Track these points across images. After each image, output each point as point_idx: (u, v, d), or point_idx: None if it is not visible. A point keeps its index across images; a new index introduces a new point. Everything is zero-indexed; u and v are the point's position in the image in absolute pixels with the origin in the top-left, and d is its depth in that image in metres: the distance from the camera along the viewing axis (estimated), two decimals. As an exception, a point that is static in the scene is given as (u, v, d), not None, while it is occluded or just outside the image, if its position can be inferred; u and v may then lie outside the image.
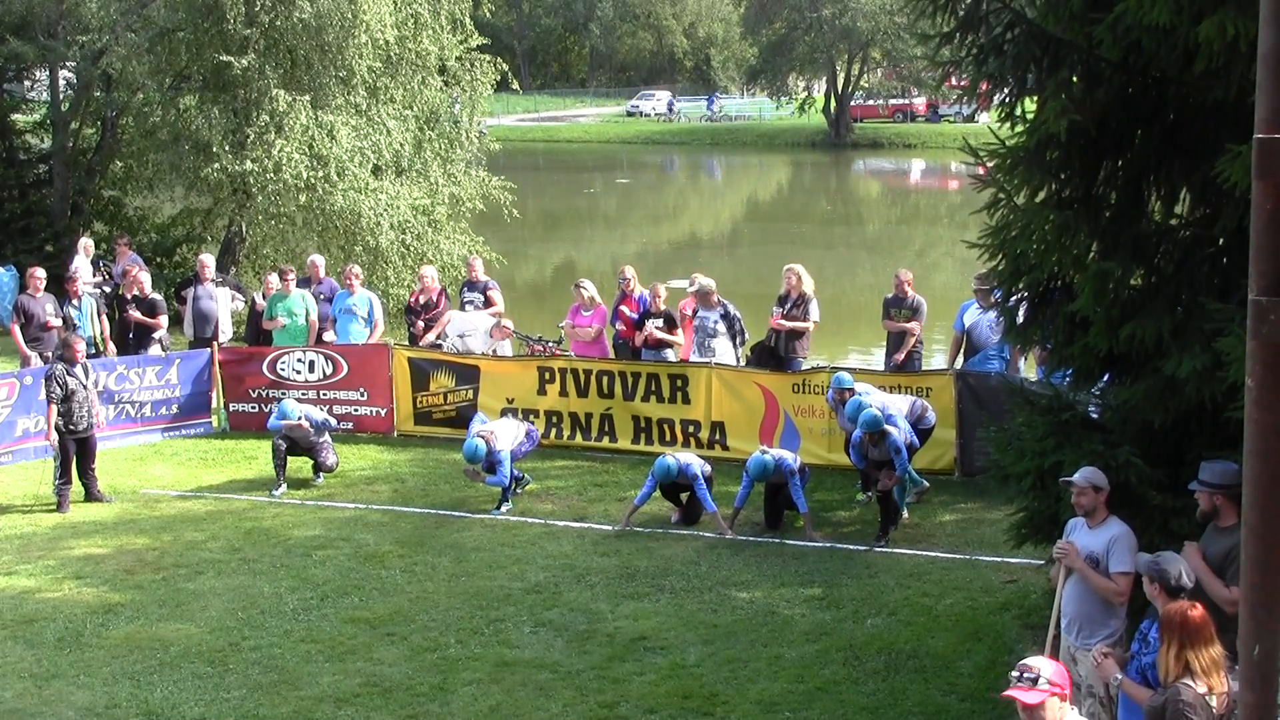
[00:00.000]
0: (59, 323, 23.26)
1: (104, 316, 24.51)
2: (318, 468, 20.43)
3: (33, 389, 20.82)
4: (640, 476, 17.92)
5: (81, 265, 27.57)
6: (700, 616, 14.92)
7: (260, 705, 13.05)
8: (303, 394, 22.56)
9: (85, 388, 19.50)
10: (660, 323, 21.76)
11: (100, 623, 15.35)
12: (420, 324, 23.70)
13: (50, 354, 21.40)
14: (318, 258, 26.02)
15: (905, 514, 17.74)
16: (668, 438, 20.48)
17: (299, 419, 19.88)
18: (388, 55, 32.07)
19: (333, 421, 20.92)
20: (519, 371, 22.01)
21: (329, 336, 23.67)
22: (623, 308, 22.55)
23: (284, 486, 19.87)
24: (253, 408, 23.05)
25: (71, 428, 19.43)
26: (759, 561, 16.46)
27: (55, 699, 13.68)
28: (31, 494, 20.01)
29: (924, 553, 16.72)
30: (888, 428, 16.83)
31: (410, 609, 15.49)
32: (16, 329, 23.40)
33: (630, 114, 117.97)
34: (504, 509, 18.58)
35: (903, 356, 21.35)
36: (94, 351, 23.67)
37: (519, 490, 19.12)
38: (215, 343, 23.74)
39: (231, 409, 23.31)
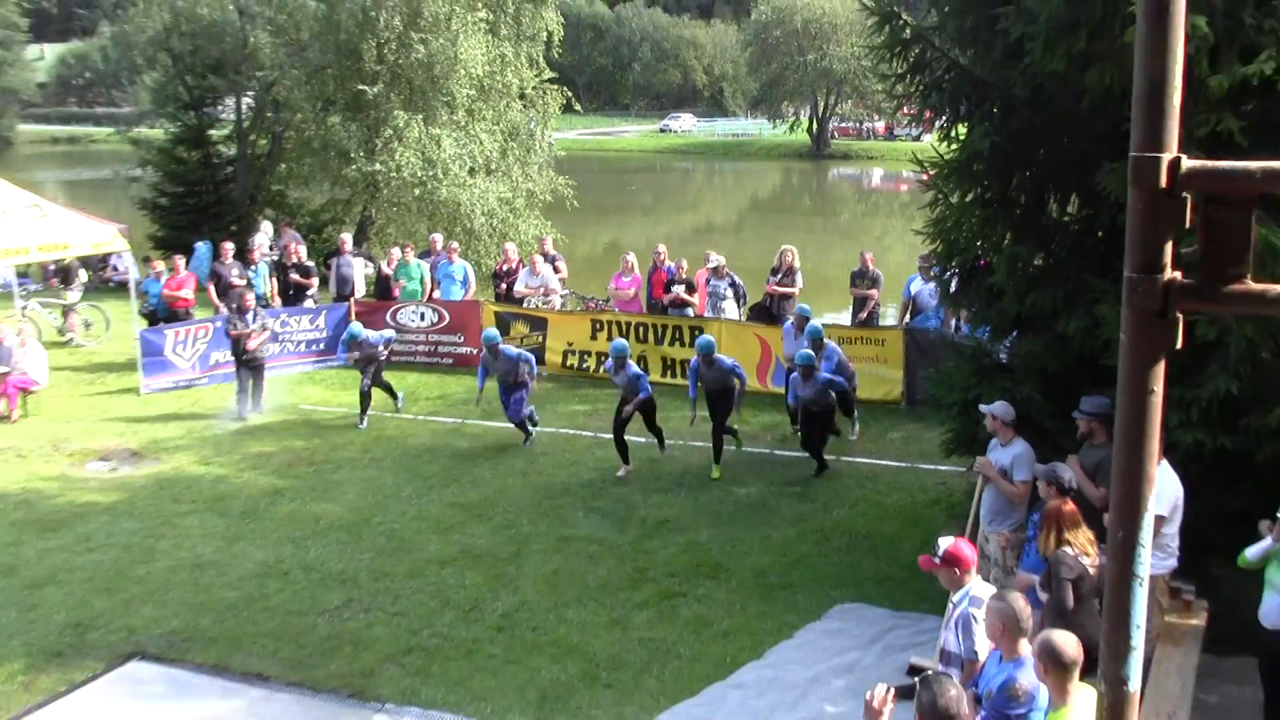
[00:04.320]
0: (242, 283, 23.36)
1: (273, 278, 24.64)
2: (393, 394, 19.90)
3: (221, 330, 21.01)
4: (665, 402, 17.90)
5: (265, 240, 27.77)
6: (710, 506, 15.03)
7: (385, 564, 13.18)
8: (414, 338, 22.73)
9: (254, 329, 19.74)
10: (682, 288, 21.94)
11: (270, 501, 15.52)
12: (504, 286, 23.79)
13: (234, 305, 21.49)
14: (437, 236, 26.22)
15: (856, 432, 17.76)
16: (686, 373, 20.47)
17: (362, 337, 19.29)
18: (480, 85, 32.43)
19: (391, 333, 20.43)
20: (576, 322, 22.05)
21: (435, 294, 23.76)
22: (655, 275, 22.75)
23: (365, 423, 19.18)
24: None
25: (246, 358, 19.67)
26: (753, 468, 16.52)
27: (240, 555, 13.89)
28: (221, 406, 20.19)
29: (877, 461, 16.79)
30: (817, 365, 16.15)
31: (494, 497, 15.60)
32: (212, 288, 23.57)
33: (662, 131, 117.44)
34: (530, 441, 17.95)
35: (864, 316, 21.52)
36: (265, 303, 23.81)
37: (534, 426, 18.23)
38: (352, 298, 23.88)
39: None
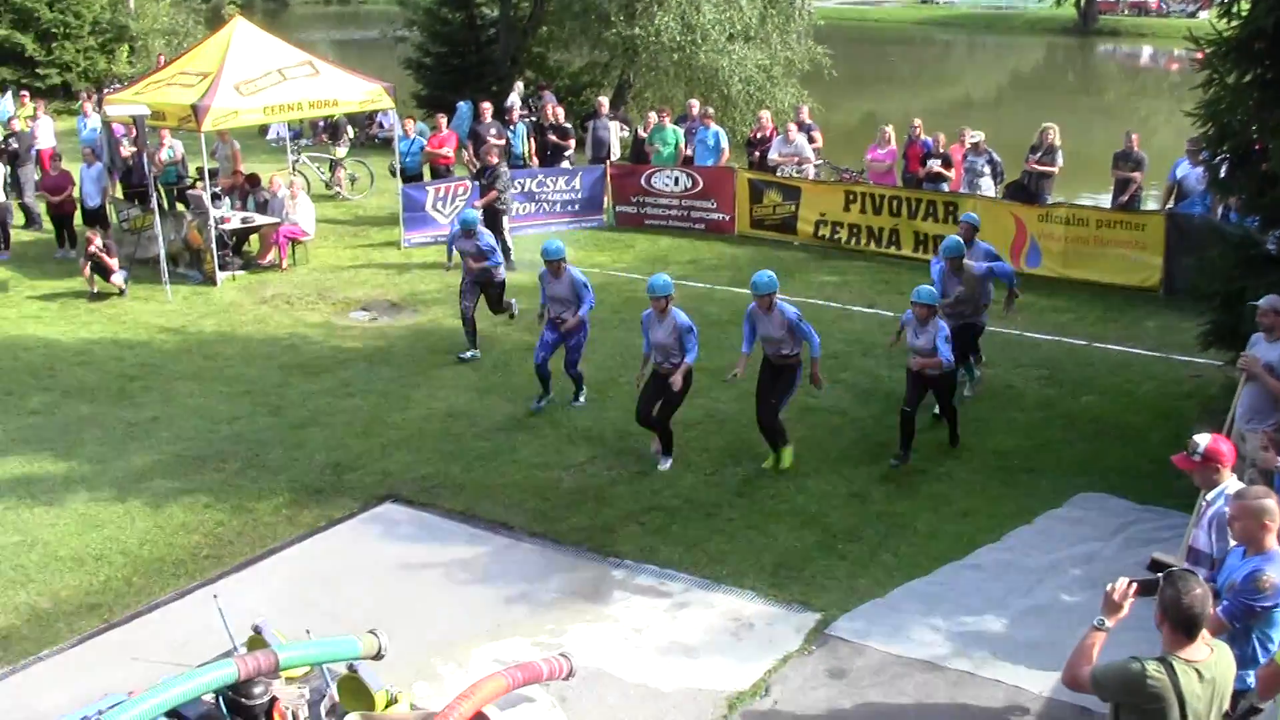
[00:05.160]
0: (500, 143, 23.65)
1: (531, 139, 24.89)
2: (499, 307, 16.59)
3: (476, 187, 21.34)
4: (916, 279, 17.49)
5: (516, 102, 28.07)
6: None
7: (630, 423, 13.23)
8: (668, 202, 22.68)
9: (496, 186, 20.33)
10: (939, 162, 21.33)
11: (521, 356, 15.79)
12: (757, 154, 23.54)
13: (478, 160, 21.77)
14: (694, 102, 26.02)
15: (973, 388, 14.66)
16: (938, 250, 19.96)
17: (479, 233, 16.00)
18: (743, -51, 31.81)
19: (496, 252, 16.21)
20: (829, 193, 21.66)
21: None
22: (911, 148, 22.26)
23: (476, 351, 16.20)
24: (633, 210, 23.23)
25: (497, 208, 20.33)
26: (1001, 348, 16.04)
27: (490, 408, 14.27)
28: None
29: (1130, 349, 16.12)
30: (968, 263, 13.91)
31: (741, 363, 15.56)
32: (471, 146, 23.93)
33: (924, 1, 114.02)
34: (581, 399, 14.55)
35: (1126, 199, 20.57)
36: (522, 164, 24.13)
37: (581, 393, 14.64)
38: (607, 161, 23.96)
39: (617, 210, 23.50)
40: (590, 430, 13.35)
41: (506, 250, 20.49)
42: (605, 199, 23.57)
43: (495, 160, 20.73)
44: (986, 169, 20.98)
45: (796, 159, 22.57)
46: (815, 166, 23.05)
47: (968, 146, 21.30)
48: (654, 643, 9.37)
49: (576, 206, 23.34)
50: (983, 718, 8.35)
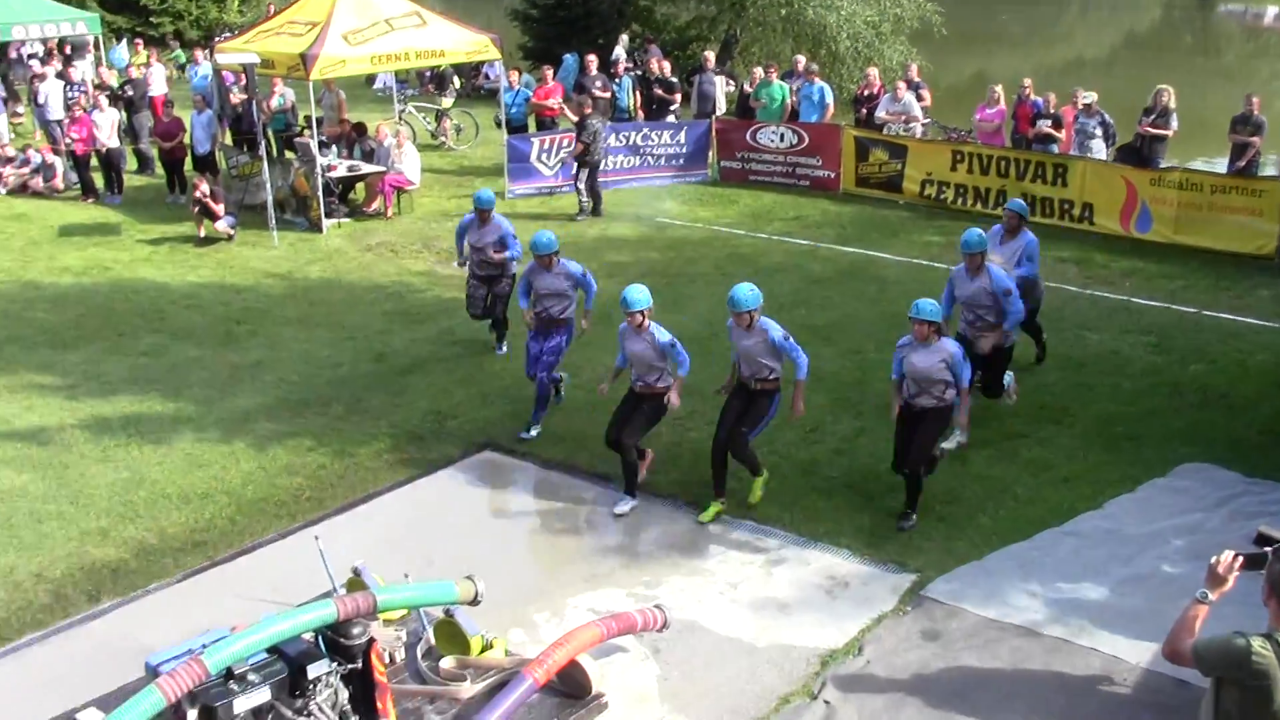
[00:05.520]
0: (606, 96, 23.64)
1: (636, 92, 24.82)
2: (496, 323, 14.71)
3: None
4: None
5: (622, 55, 27.98)
6: (1059, 350, 14.43)
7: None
8: (772, 158, 22.52)
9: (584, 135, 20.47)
10: (1049, 123, 20.97)
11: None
12: (864, 111, 23.29)
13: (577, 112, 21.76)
14: (800, 57, 25.75)
15: (1014, 391, 12.70)
16: (1047, 212, 19.62)
17: (492, 210, 14.15)
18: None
19: (517, 251, 14.29)
20: (937, 152, 21.37)
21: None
22: (1021, 108, 21.93)
23: (505, 348, 14.74)
24: (737, 165, 23.10)
25: (587, 160, 20.48)
26: (1107, 314, 15.77)
27: (590, 359, 14.38)
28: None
29: (1242, 318, 15.74)
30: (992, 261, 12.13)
31: (842, 322, 15.47)
32: (575, 98, 23.92)
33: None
34: (534, 431, 12.43)
35: (1243, 164, 20.02)
36: (627, 116, 24.09)
37: (560, 394, 13.35)
38: (713, 116, 23.85)
39: (722, 165, 23.37)
40: (690, 385, 13.29)
41: (597, 199, 20.61)
42: (710, 154, 23.47)
43: (588, 112, 20.77)
44: (1098, 131, 20.59)
45: (904, 117, 22.32)
46: (923, 125, 22.78)
47: (1079, 108, 20.90)
48: (748, 598, 9.37)
49: (681, 161, 23.26)
50: (1078, 686, 8.25)
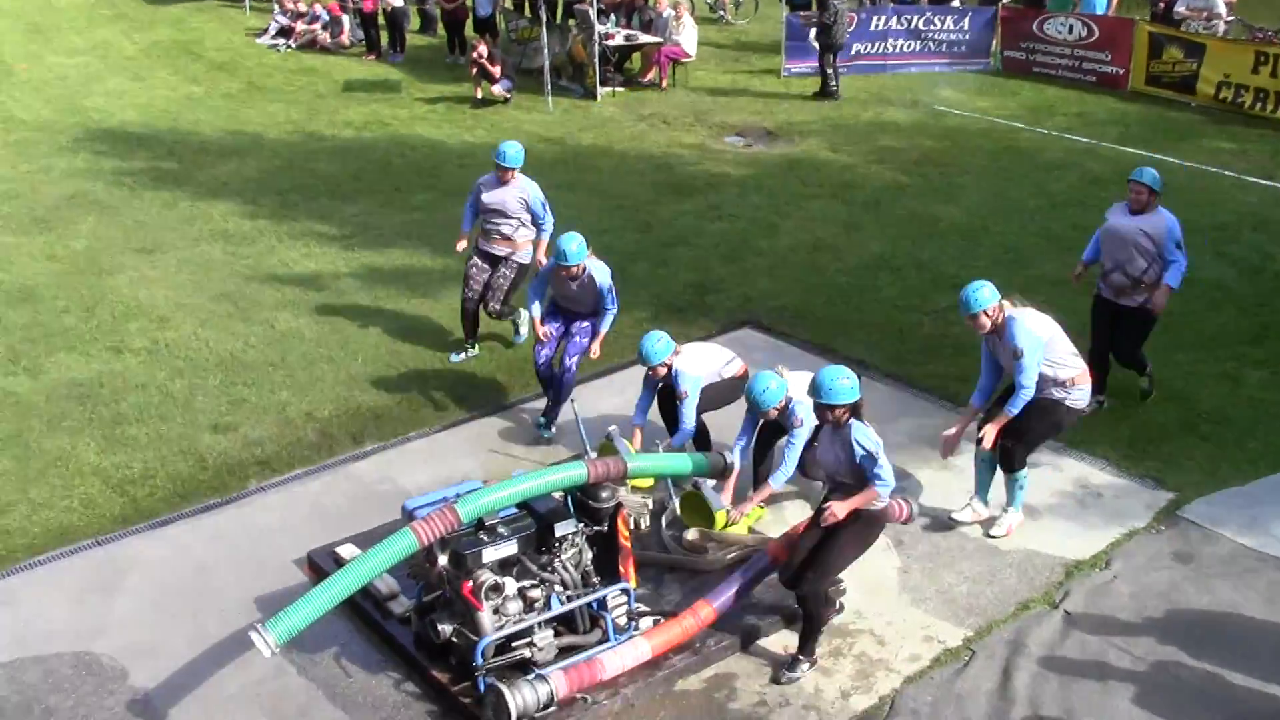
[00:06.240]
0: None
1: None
2: (502, 304, 11.43)
3: (865, 21, 20.94)
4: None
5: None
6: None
7: (998, 274, 12.86)
8: (1059, 51, 21.70)
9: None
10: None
11: (892, 196, 15.68)
12: (1161, 5, 22.19)
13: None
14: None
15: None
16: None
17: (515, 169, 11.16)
18: None
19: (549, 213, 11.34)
20: (1238, 52, 20.17)
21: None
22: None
23: (471, 351, 11.57)
24: (1020, 55, 22.35)
25: (828, 41, 20.18)
26: None
27: (857, 244, 14.27)
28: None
29: None
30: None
31: (1119, 225, 14.93)
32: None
33: None
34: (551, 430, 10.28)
35: None
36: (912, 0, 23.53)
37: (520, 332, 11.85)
38: (999, 2, 23.03)
39: (1004, 54, 22.63)
40: (956, 277, 13.06)
41: (827, 81, 20.23)
42: (993, 42, 22.74)
43: None
44: None
45: (1205, 14, 21.19)
46: (1226, 23, 21.54)
47: None
48: (996, 499, 9.25)
49: (962, 48, 22.62)
50: (1340, 627, 7.92)
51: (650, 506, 8.55)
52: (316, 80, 22.01)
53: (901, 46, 22.12)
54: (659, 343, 9.11)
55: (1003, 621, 7.86)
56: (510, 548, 7.02)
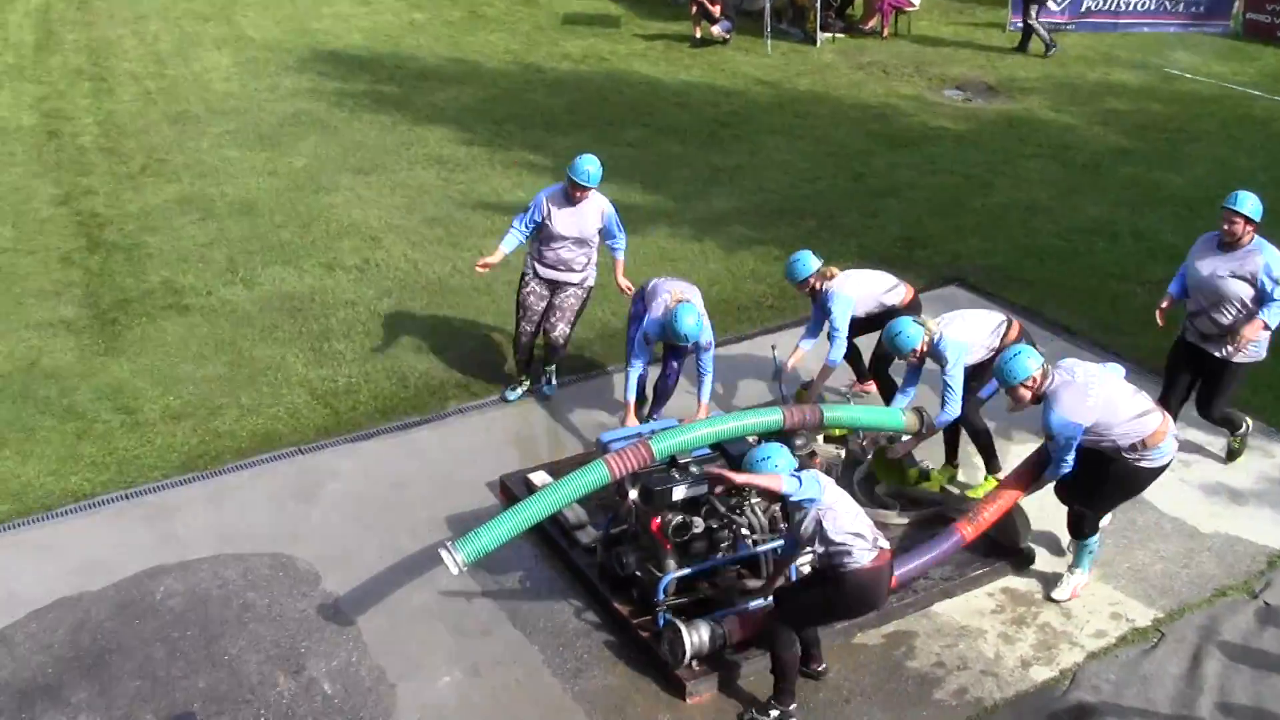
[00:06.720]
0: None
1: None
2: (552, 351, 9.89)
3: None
4: None
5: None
6: None
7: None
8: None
9: None
10: None
11: (1114, 160, 15.23)
12: None
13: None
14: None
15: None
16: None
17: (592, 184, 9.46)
18: None
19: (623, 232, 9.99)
20: None
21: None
22: None
23: (524, 385, 9.97)
24: (1265, 19, 21.25)
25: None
26: None
27: (1074, 208, 13.94)
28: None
29: None
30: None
31: None
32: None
33: None
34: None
35: None
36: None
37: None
38: (1246, -37, 22.05)
39: (1247, 17, 21.59)
40: (1175, 248, 12.63)
41: (1027, 36, 19.72)
42: (1235, 3, 21.74)
43: None
44: None
45: None
46: None
47: None
48: (1200, 479, 8.97)
49: (1200, 8, 21.66)
50: None
51: (843, 457, 8.52)
52: (537, 11, 22.23)
53: (1135, 4, 21.34)
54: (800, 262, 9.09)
55: (1196, 606, 7.65)
56: (700, 487, 7.08)
